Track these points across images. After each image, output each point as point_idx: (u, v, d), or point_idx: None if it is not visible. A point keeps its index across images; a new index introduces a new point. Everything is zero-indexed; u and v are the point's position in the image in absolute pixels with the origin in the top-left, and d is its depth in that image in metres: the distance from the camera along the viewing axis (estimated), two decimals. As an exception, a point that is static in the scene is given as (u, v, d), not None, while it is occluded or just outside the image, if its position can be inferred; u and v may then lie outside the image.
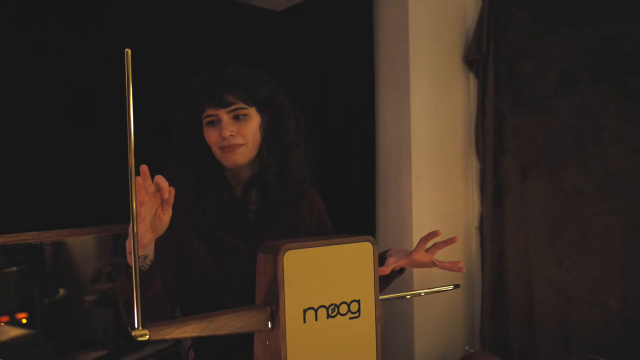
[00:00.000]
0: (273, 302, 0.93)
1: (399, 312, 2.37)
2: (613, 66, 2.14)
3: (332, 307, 0.96)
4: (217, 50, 2.37)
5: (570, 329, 2.27)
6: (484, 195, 2.49)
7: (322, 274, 0.96)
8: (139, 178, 0.94)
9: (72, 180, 2.06)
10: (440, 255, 1.28)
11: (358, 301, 0.99)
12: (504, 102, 2.43)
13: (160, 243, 1.12)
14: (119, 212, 2.07)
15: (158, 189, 0.98)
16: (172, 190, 0.99)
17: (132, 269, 1.07)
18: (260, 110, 1.32)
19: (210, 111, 1.27)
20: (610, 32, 2.15)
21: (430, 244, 1.27)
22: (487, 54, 2.44)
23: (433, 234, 1.25)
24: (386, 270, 1.26)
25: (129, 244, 1.05)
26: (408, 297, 1.29)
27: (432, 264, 1.28)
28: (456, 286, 1.31)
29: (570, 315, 2.27)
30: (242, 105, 1.27)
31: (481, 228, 2.52)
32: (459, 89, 2.51)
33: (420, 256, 1.27)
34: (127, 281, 1.09)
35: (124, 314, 1.15)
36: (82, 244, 2.18)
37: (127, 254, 1.07)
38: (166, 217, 1.02)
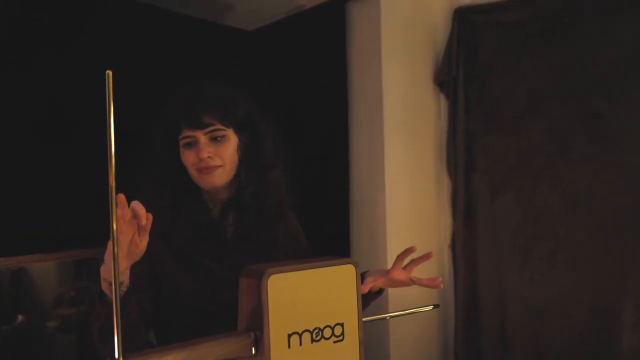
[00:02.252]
0: (257, 328, 0.91)
1: (375, 332, 2.36)
2: (579, 88, 2.21)
3: (317, 331, 0.95)
4: (188, 69, 2.35)
5: (542, 344, 2.29)
6: (456, 213, 2.51)
7: (306, 298, 0.94)
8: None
9: (33, 206, 2.00)
10: (414, 272, 1.27)
11: (342, 324, 0.98)
12: (474, 122, 2.48)
13: (136, 268, 1.09)
14: (81, 237, 2.02)
15: (135, 215, 0.96)
16: (150, 216, 0.97)
17: (107, 296, 1.04)
18: (237, 131, 1.30)
19: (187, 132, 1.25)
20: (576, 55, 2.22)
21: (406, 261, 1.27)
22: (457, 75, 2.48)
23: (409, 251, 1.25)
24: (364, 289, 1.25)
25: (104, 270, 1.02)
26: (388, 318, 1.28)
27: (411, 281, 1.27)
28: (436, 306, 1.31)
29: (541, 330, 2.30)
30: (220, 126, 1.26)
31: (453, 246, 2.54)
32: (430, 109, 2.55)
33: (398, 274, 1.26)
34: (102, 309, 1.05)
35: (98, 343, 1.10)
36: (41, 269, 2.11)
37: (102, 281, 1.03)
38: (143, 243, 0.99)
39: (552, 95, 2.28)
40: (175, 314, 1.27)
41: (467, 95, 2.49)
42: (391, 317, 1.25)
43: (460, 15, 2.47)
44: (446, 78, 2.50)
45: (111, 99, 0.79)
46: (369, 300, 1.34)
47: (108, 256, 0.99)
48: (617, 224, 2.15)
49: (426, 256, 1.25)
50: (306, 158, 2.62)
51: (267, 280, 0.89)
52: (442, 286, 1.27)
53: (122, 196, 0.92)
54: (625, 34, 2.13)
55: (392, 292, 2.30)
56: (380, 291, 1.35)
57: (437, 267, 2.52)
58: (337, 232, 2.53)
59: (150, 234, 1.01)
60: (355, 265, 1.00)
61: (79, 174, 2.07)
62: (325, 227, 2.52)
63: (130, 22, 2.28)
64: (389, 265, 1.44)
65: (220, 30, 2.70)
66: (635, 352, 2.08)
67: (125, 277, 1.06)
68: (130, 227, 0.97)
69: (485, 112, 2.46)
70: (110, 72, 0.79)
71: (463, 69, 2.48)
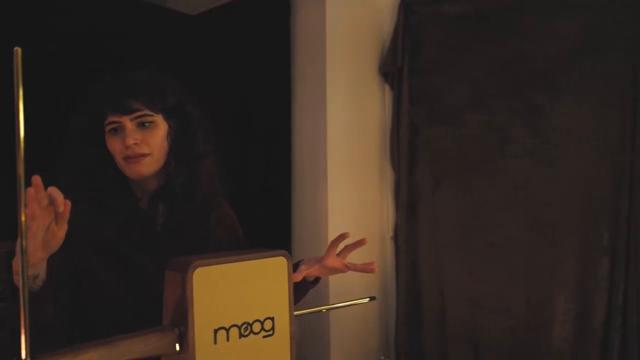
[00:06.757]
0: (181, 323, 0.86)
1: (315, 324, 2.35)
2: (520, 83, 2.24)
3: (245, 325, 0.91)
4: (124, 52, 2.25)
5: (479, 336, 2.33)
6: (399, 205, 2.52)
7: (234, 292, 0.91)
8: (30, 189, 0.85)
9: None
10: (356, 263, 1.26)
11: (272, 318, 0.95)
12: (418, 115, 2.48)
13: (54, 261, 1.02)
14: (6, 227, 1.90)
15: (52, 201, 0.89)
16: (68, 203, 0.90)
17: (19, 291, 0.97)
18: (167, 118, 1.24)
19: (113, 118, 1.18)
20: (517, 51, 2.25)
21: (340, 247, 1.25)
22: (402, 67, 2.48)
23: (342, 237, 1.23)
24: (298, 277, 1.22)
25: (16, 263, 0.95)
26: (324, 311, 1.26)
27: (345, 267, 1.25)
28: (372, 298, 1.30)
29: (479, 322, 2.34)
30: (148, 112, 1.19)
31: (396, 238, 2.55)
32: (374, 101, 2.54)
33: (332, 261, 1.24)
34: (15, 306, 0.98)
35: (13, 343, 1.03)
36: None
37: (14, 275, 0.96)
38: (61, 232, 0.93)
39: (494, 89, 2.31)
40: (99, 313, 1.20)
41: (411, 87, 2.49)
42: (326, 309, 1.23)
43: (406, 7, 2.47)
44: (391, 69, 2.50)
45: (20, 79, 0.73)
46: (304, 289, 1.32)
47: (19, 247, 0.92)
48: (551, 217, 2.20)
49: (360, 242, 1.23)
50: (248, 147, 2.57)
51: (193, 274, 0.85)
52: (376, 270, 1.25)
53: (37, 178, 0.86)
54: (565, 30, 2.17)
55: (332, 284, 2.29)
56: (316, 280, 1.33)
57: (379, 259, 2.53)
58: (278, 222, 2.50)
59: (72, 226, 0.94)
60: (287, 257, 0.97)
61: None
62: (266, 217, 2.48)
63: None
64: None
65: (162, 13, 2.61)
66: (565, 341, 2.15)
67: (40, 270, 0.99)
68: (47, 214, 0.90)
69: (429, 105, 2.47)
70: (20, 49, 0.73)
71: (408, 60, 2.48)
